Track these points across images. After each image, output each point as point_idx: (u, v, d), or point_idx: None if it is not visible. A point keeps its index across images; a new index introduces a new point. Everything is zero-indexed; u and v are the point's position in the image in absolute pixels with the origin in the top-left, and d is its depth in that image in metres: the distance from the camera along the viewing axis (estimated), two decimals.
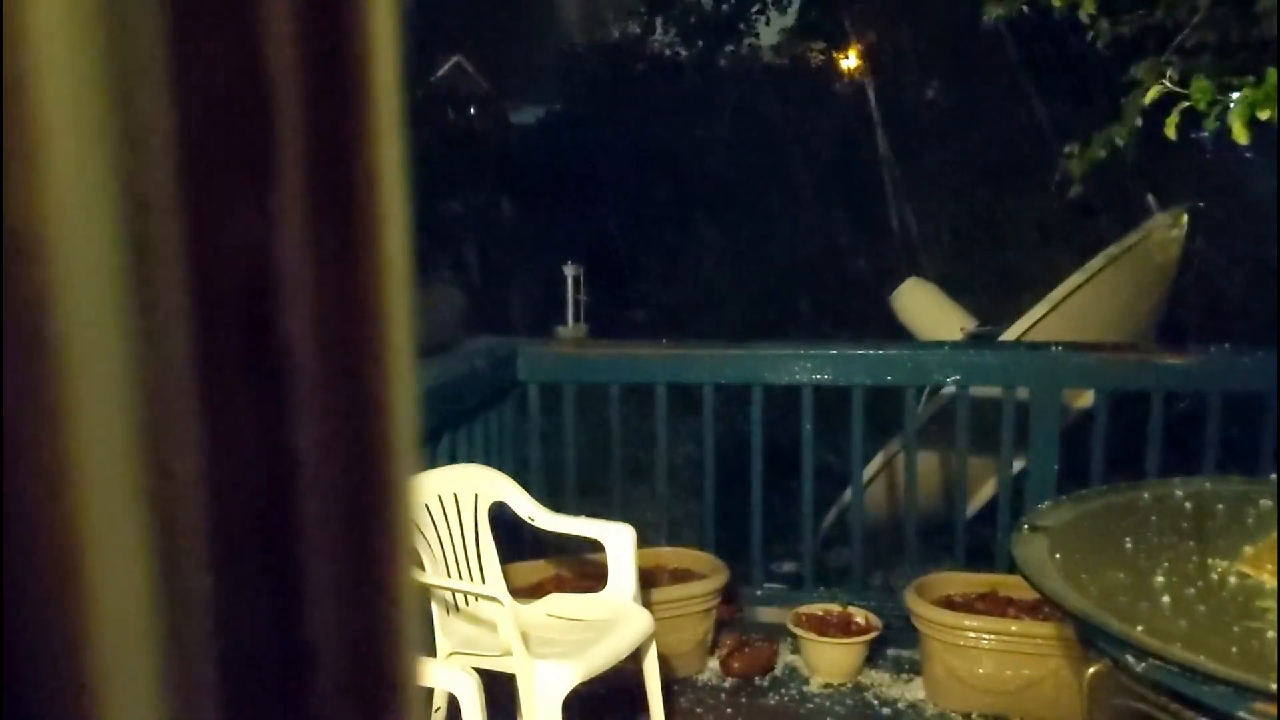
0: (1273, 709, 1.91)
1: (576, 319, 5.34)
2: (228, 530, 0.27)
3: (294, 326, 0.26)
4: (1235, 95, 2.99)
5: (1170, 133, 3.14)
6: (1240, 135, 2.94)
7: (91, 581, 0.25)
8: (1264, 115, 2.95)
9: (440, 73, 12.93)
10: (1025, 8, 3.35)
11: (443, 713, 2.90)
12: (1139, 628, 2.15)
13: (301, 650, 0.29)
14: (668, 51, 13.86)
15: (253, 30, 0.24)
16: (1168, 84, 3.19)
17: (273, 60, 0.24)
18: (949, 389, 4.07)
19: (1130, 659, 2.10)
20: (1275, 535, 2.53)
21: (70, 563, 0.24)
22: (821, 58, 11.94)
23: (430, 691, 2.92)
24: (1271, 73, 2.87)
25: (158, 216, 0.23)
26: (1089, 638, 2.32)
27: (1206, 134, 3.20)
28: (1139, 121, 3.32)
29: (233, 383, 0.25)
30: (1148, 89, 3.18)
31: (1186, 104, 3.10)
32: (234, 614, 0.27)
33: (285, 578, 0.28)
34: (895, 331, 6.27)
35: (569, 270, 5.44)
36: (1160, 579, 2.39)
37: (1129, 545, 2.60)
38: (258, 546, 0.27)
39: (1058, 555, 2.55)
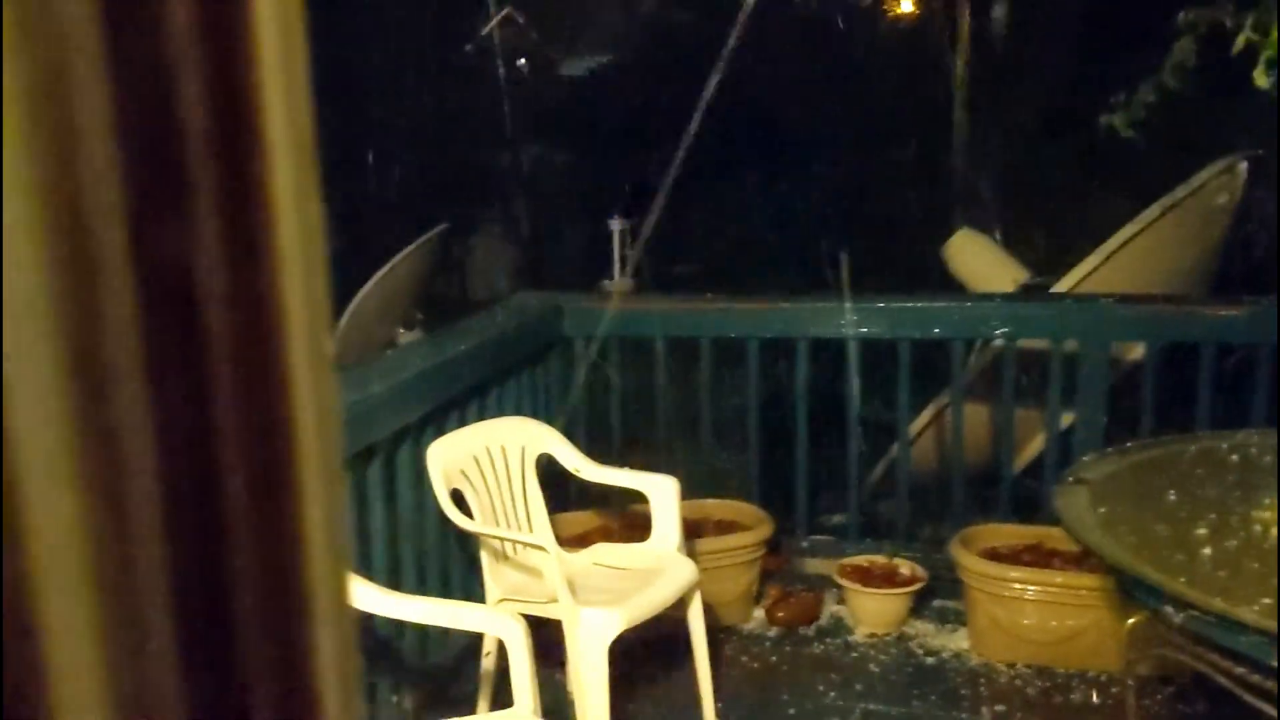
0: None
1: (623, 272, 5.36)
2: (164, 506, 0.31)
3: (212, 323, 0.32)
4: None
5: (1261, 81, 3.08)
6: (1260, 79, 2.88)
7: (38, 563, 0.29)
8: None
9: (489, 27, 12.91)
10: None
11: (492, 657, 2.98)
12: (1178, 579, 2.15)
13: (224, 619, 0.33)
14: None
15: (172, 87, 0.31)
16: (1250, 33, 3.11)
17: (185, 115, 0.31)
18: (998, 342, 4.05)
19: (1169, 610, 2.11)
20: None
21: (17, 545, 0.29)
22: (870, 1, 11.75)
23: (480, 637, 3.00)
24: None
25: (102, 230, 0.30)
26: (1128, 589, 2.33)
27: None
28: (1189, 65, 3.26)
29: (166, 370, 0.30)
30: (1197, 33, 3.13)
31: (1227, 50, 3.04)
32: (172, 581, 0.32)
33: (209, 548, 0.33)
34: (948, 283, 6.21)
35: (615, 224, 5.44)
36: (1202, 531, 2.39)
37: (1172, 498, 2.60)
38: (189, 521, 0.32)
39: (1100, 508, 2.55)
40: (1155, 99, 3.36)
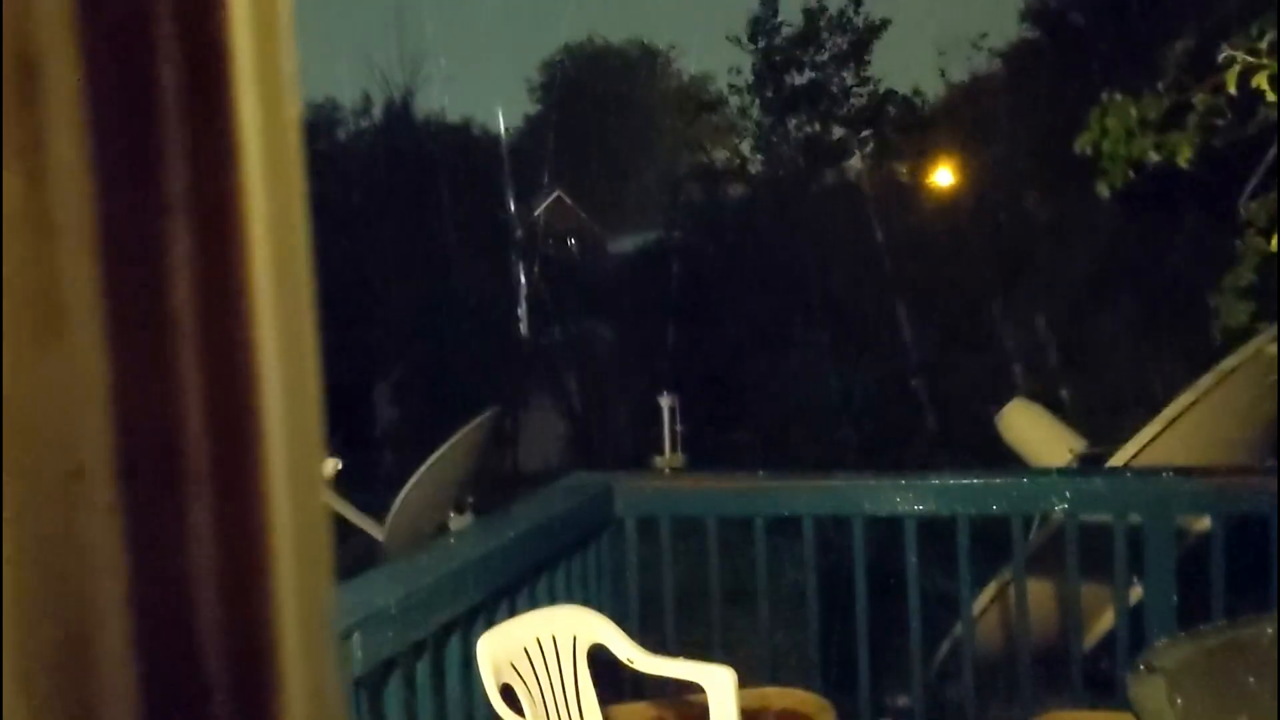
0: None
1: (673, 449, 5.35)
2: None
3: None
4: None
5: None
6: None
7: None
8: None
9: (541, 209, 13.37)
10: (1131, 171, 3.36)
11: None
12: None
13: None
14: (763, 176, 14.05)
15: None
16: None
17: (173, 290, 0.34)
18: (1058, 516, 3.96)
19: None
20: None
21: None
22: (912, 176, 11.99)
23: None
24: None
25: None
26: None
27: None
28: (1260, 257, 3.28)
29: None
30: (1260, 230, 3.15)
31: None
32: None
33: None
34: (1002, 452, 6.14)
35: (664, 401, 5.46)
36: None
37: (1252, 684, 2.48)
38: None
39: (1179, 698, 2.44)
40: (1244, 310, 3.38)
